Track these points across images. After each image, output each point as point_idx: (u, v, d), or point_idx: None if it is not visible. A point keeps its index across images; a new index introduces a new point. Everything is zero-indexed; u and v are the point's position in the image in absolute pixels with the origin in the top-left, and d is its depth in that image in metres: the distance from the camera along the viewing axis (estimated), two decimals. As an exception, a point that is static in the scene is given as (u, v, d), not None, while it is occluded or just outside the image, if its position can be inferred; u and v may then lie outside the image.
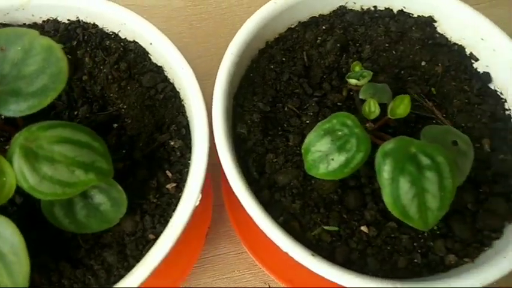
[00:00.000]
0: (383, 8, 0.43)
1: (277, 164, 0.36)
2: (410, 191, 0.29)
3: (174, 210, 0.33)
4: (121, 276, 0.31)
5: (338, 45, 0.41)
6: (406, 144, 0.30)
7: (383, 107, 0.34)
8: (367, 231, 0.34)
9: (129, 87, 0.38)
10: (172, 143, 0.35)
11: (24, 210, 0.33)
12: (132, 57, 0.39)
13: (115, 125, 0.37)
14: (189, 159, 0.35)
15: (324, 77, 0.41)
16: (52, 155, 0.27)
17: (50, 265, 0.31)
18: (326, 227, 0.33)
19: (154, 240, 0.32)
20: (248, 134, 0.37)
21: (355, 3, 0.43)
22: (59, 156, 0.27)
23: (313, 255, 0.31)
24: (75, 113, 0.38)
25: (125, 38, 0.39)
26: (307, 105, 0.39)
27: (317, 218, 0.34)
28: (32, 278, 0.28)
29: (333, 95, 0.39)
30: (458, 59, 0.42)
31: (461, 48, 0.42)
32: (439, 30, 0.43)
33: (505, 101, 0.40)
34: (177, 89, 0.38)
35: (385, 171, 0.29)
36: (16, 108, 0.27)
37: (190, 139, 0.36)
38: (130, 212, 0.32)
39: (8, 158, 0.27)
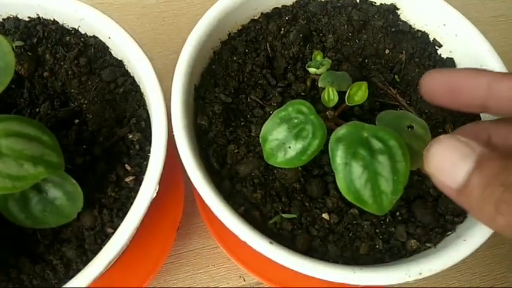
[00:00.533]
0: None
1: (238, 154, 0.36)
2: (363, 175, 0.29)
3: (132, 202, 0.33)
4: (79, 271, 0.31)
5: (301, 35, 0.41)
6: (358, 129, 0.30)
7: (343, 95, 0.34)
8: (328, 219, 0.34)
9: (89, 82, 0.38)
10: (131, 136, 0.35)
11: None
12: (92, 52, 0.39)
13: (76, 121, 0.37)
14: (149, 152, 0.35)
15: (288, 67, 0.41)
16: (0, 148, 0.27)
17: (10, 261, 0.31)
18: (284, 215, 0.33)
19: (113, 233, 0.32)
20: (209, 126, 0.37)
21: None
22: (6, 149, 0.27)
23: (271, 243, 0.31)
24: (37, 109, 0.37)
25: (85, 33, 0.39)
26: (270, 96, 0.39)
27: (278, 207, 0.34)
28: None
29: (297, 85, 0.39)
30: (422, 45, 0.42)
31: (424, 35, 0.42)
32: (402, 17, 0.43)
33: None
34: (137, 83, 0.38)
35: (337, 156, 0.29)
36: None
37: (150, 132, 0.36)
38: (89, 207, 0.32)
39: None
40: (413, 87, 0.40)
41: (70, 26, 0.39)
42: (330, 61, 0.36)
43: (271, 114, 0.37)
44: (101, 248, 0.31)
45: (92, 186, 0.33)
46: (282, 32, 0.42)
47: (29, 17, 0.40)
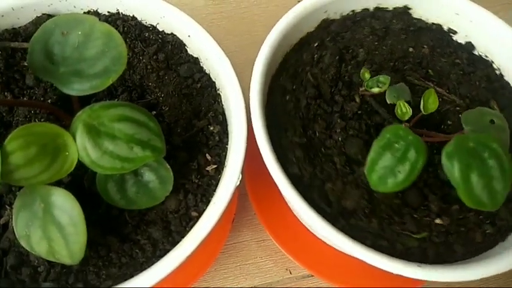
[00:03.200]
0: (360, 10, 0.46)
1: (337, 190, 0.37)
2: (479, 182, 0.32)
3: (214, 190, 0.35)
4: (166, 251, 0.33)
5: (334, 56, 0.43)
6: (463, 141, 0.32)
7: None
8: (442, 223, 0.36)
9: (166, 77, 0.40)
10: (211, 128, 0.37)
11: (72, 189, 0.35)
12: (169, 49, 0.41)
13: (153, 112, 0.39)
14: (227, 144, 0.37)
15: (333, 90, 0.42)
16: (113, 131, 0.29)
17: (99, 240, 0.33)
18: (416, 235, 0.35)
19: (198, 217, 0.34)
20: (300, 172, 0.37)
21: (335, 13, 0.45)
22: (119, 133, 0.29)
23: (419, 266, 0.33)
24: (116, 100, 0.40)
25: (163, 31, 0.42)
26: (333, 123, 0.40)
27: (396, 228, 0.36)
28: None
29: (349, 105, 0.40)
30: (440, 36, 0.46)
31: (439, 27, 0.46)
32: (415, 16, 0.46)
33: (492, 62, 0.44)
34: (213, 79, 0.40)
35: (455, 172, 0.32)
36: (79, 88, 0.29)
37: (226, 125, 0.38)
38: (174, 192, 0.34)
39: (71, 134, 0.29)
40: (445, 75, 0.44)
41: (148, 23, 0.42)
42: (389, 77, 0.38)
43: (341, 140, 0.39)
44: (186, 230, 0.34)
45: (175, 173, 0.35)
46: (315, 58, 0.43)
47: (108, 12, 0.42)
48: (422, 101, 0.36)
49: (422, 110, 0.36)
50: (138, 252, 0.33)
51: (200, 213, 0.34)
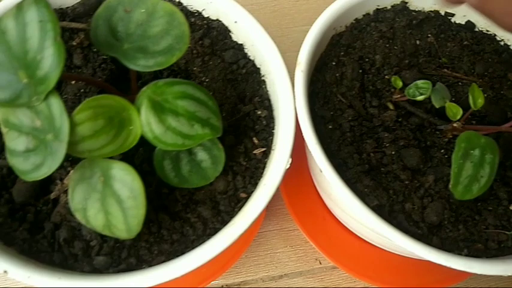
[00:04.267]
0: (362, 17, 0.46)
1: (420, 208, 0.36)
2: None
3: (261, 173, 0.36)
4: (216, 229, 0.33)
5: (354, 70, 0.42)
6: None
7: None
8: None
9: (211, 62, 0.41)
10: (258, 113, 0.38)
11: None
12: (215, 35, 0.42)
13: (198, 96, 0.40)
14: (273, 129, 0.38)
15: (365, 104, 0.41)
16: (176, 108, 0.29)
17: (150, 216, 0.34)
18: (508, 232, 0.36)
19: (246, 198, 0.35)
20: (379, 201, 0.36)
21: (341, 26, 0.45)
22: (181, 110, 0.30)
23: None
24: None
25: (208, 17, 0.42)
26: (380, 139, 0.39)
27: (481, 227, 0.36)
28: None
29: (385, 115, 0.40)
30: (440, 22, 0.47)
31: (436, 13, 0.47)
32: (413, 8, 0.47)
33: (495, 35, 0.46)
34: (258, 65, 0.41)
35: None
36: (145, 64, 0.30)
37: (272, 110, 0.39)
38: (222, 173, 0.35)
39: (136, 108, 0.29)
40: (457, 59, 0.45)
41: (194, 9, 0.42)
42: (430, 82, 0.38)
43: (395, 154, 0.38)
44: (234, 211, 0.34)
45: (223, 155, 0.36)
46: (338, 77, 0.42)
47: (154, -3, 0.42)
48: (470, 97, 0.36)
49: (472, 106, 0.37)
50: (189, 229, 0.34)
51: (248, 195, 0.35)
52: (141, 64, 0.29)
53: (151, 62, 0.30)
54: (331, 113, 0.40)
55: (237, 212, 0.34)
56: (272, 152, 0.36)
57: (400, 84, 0.40)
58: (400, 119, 0.40)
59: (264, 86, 0.40)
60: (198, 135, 0.30)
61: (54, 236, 0.33)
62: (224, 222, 0.34)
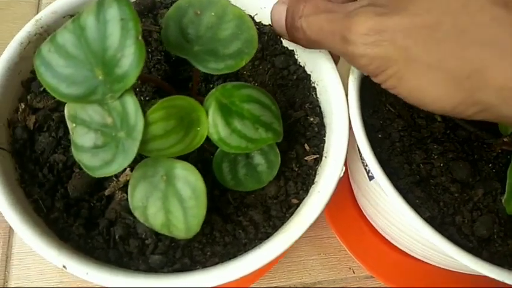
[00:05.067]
0: None
1: (469, 222, 0.37)
2: None
3: (313, 180, 0.36)
4: (268, 234, 0.33)
5: None
6: None
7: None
8: None
9: (261, 67, 0.41)
10: (310, 119, 0.38)
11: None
12: (266, 40, 0.42)
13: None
14: (324, 136, 0.38)
15: (412, 114, 0.41)
16: (242, 111, 0.30)
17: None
18: None
19: (298, 204, 0.35)
20: (431, 213, 0.36)
21: None
22: (247, 113, 0.30)
23: None
24: (211, 85, 0.40)
25: (260, 22, 0.43)
26: (429, 150, 0.39)
27: None
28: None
29: (434, 127, 0.40)
30: None
31: None
32: None
33: None
34: (308, 72, 0.41)
35: None
36: (215, 67, 0.30)
37: (323, 117, 0.39)
38: (274, 178, 0.35)
39: (205, 109, 0.29)
40: None
41: (247, 13, 0.42)
42: None
43: (443, 166, 0.38)
44: (285, 216, 0.34)
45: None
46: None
47: None
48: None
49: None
50: (241, 232, 0.34)
51: (300, 201, 0.35)
52: (212, 67, 0.30)
53: (221, 65, 0.30)
54: (381, 122, 0.40)
55: (288, 218, 0.34)
56: (324, 159, 0.36)
57: None
58: (448, 131, 0.41)
59: (314, 93, 0.40)
60: (261, 139, 0.30)
61: (110, 233, 0.33)
62: (276, 227, 0.34)
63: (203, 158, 0.35)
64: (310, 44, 0.34)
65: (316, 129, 0.38)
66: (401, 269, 0.48)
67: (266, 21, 0.42)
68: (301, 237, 0.49)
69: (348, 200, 0.51)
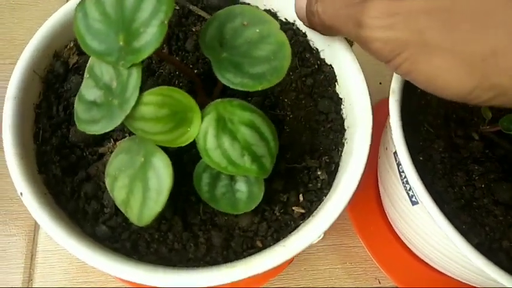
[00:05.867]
0: None
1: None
2: None
3: (289, 232, 0.33)
4: (215, 261, 0.32)
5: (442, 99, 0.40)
6: None
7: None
8: None
9: (303, 102, 0.39)
10: (318, 173, 0.36)
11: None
12: (320, 79, 0.40)
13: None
14: (325, 196, 0.35)
15: (450, 134, 0.41)
16: (236, 133, 0.29)
17: (166, 214, 0.33)
18: None
19: (260, 248, 0.32)
20: (479, 239, 0.36)
21: None
22: (240, 136, 0.29)
23: None
24: (247, 100, 0.39)
25: (324, 59, 0.41)
26: (470, 171, 0.39)
27: None
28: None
29: (472, 146, 0.40)
30: None
31: None
32: None
33: None
34: (345, 127, 0.38)
35: None
36: (230, 79, 0.29)
37: (334, 177, 0.36)
38: (252, 211, 0.33)
39: (202, 114, 0.29)
40: None
41: (314, 46, 0.41)
42: None
43: (485, 187, 0.38)
44: (242, 254, 0.32)
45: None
46: (423, 104, 0.41)
47: (285, 19, 0.42)
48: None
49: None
50: (192, 246, 0.32)
51: (264, 246, 0.33)
52: (227, 78, 0.29)
53: (237, 80, 0.29)
54: (420, 143, 0.40)
55: (244, 256, 0.32)
56: (311, 218, 0.34)
57: (489, 115, 0.40)
58: (486, 150, 0.40)
59: (340, 149, 0.37)
60: (243, 168, 0.29)
61: (80, 186, 0.34)
62: (227, 259, 0.32)
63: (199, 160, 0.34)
64: (326, 30, 0.33)
65: (319, 185, 0.35)
66: (429, 282, 0.49)
67: (329, 60, 0.40)
68: (328, 245, 0.49)
69: (376, 212, 0.51)
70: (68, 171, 0.34)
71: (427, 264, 0.47)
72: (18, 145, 0.32)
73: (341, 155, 0.37)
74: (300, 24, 0.41)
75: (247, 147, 0.29)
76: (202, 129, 0.28)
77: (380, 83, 0.60)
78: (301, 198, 0.35)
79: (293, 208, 0.34)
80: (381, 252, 0.50)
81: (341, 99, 0.39)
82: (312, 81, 0.40)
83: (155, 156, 0.29)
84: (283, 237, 0.33)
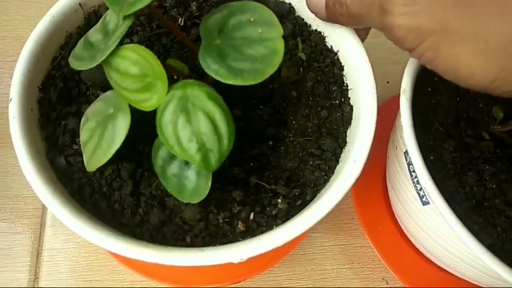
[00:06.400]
0: None
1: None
2: None
3: (222, 243, 0.31)
4: (141, 234, 0.31)
5: (450, 98, 0.41)
6: None
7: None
8: None
9: (309, 131, 0.37)
10: (279, 201, 0.33)
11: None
12: (336, 116, 0.37)
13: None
14: (276, 225, 0.32)
15: (460, 133, 0.41)
16: (191, 116, 0.28)
17: (123, 174, 0.33)
18: None
19: (188, 244, 0.31)
20: (492, 240, 0.36)
21: None
22: (195, 121, 0.28)
23: None
24: (261, 107, 0.38)
25: (349, 98, 0.38)
26: (480, 171, 0.39)
27: None
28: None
29: (482, 146, 0.40)
30: None
31: None
32: None
33: None
34: (335, 171, 0.35)
35: None
36: (208, 64, 0.28)
37: (295, 213, 0.32)
38: (199, 207, 0.32)
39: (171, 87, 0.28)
40: None
41: (346, 81, 0.38)
42: None
43: (495, 188, 0.38)
44: (169, 242, 0.31)
45: (217, 194, 0.33)
46: (434, 104, 0.41)
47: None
48: None
49: None
50: (129, 213, 0.32)
51: (192, 244, 0.31)
52: (206, 62, 0.28)
53: (214, 67, 0.28)
54: (431, 142, 0.40)
55: (167, 244, 0.30)
56: (248, 240, 0.30)
57: (501, 114, 0.40)
58: (497, 150, 0.40)
59: (317, 189, 0.34)
60: (187, 152, 0.28)
61: (66, 117, 0.35)
62: (151, 238, 0.31)
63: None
64: (350, 19, 0.33)
65: (274, 213, 0.33)
66: (437, 282, 0.48)
67: (352, 101, 0.37)
68: (336, 245, 0.48)
69: (384, 211, 0.51)
70: (64, 100, 0.36)
71: (435, 264, 0.47)
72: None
73: (315, 195, 0.34)
74: (343, 57, 0.39)
75: (197, 135, 0.27)
76: (165, 101, 0.28)
77: (387, 82, 0.59)
78: (251, 216, 0.32)
79: (238, 222, 0.32)
80: (388, 252, 0.50)
81: (346, 142, 0.36)
82: (327, 114, 0.37)
83: (121, 111, 0.29)
84: (213, 244, 0.31)
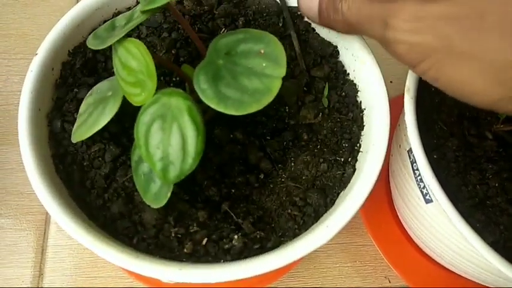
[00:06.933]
0: None
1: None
2: None
3: (164, 256, 0.30)
4: (103, 225, 0.31)
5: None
6: None
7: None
8: None
9: (303, 178, 0.35)
10: (235, 237, 0.31)
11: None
12: (336, 174, 0.35)
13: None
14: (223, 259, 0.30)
15: (463, 132, 0.41)
16: (166, 124, 0.27)
17: (106, 158, 0.33)
18: None
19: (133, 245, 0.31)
20: (494, 238, 0.36)
21: None
22: (167, 130, 0.27)
23: None
24: (268, 137, 0.37)
25: (358, 161, 0.35)
26: (483, 170, 0.39)
27: None
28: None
29: (485, 145, 0.40)
30: None
31: None
32: None
33: None
34: (310, 228, 0.32)
35: None
36: (198, 82, 0.27)
37: (246, 255, 0.30)
38: (159, 213, 0.31)
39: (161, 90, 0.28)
40: None
41: (361, 149, 0.36)
42: None
43: (497, 186, 0.38)
44: (118, 237, 0.31)
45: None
46: (437, 102, 0.41)
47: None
48: None
49: None
50: (95, 198, 0.33)
51: (132, 246, 0.31)
52: (198, 79, 0.27)
53: (204, 86, 0.27)
54: (435, 141, 0.40)
55: (114, 239, 0.30)
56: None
57: (503, 114, 0.40)
58: (500, 149, 0.40)
59: (284, 240, 0.32)
60: (149, 157, 0.27)
61: (82, 85, 0.36)
62: (102, 228, 0.31)
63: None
64: (347, 28, 0.32)
65: (226, 247, 0.31)
66: (440, 281, 0.49)
67: (358, 165, 0.35)
68: (338, 243, 0.49)
69: (387, 210, 0.52)
70: (87, 70, 0.37)
71: (437, 263, 0.47)
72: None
73: (278, 245, 0.31)
74: (368, 117, 0.36)
75: (165, 144, 0.27)
76: (149, 102, 0.28)
77: (391, 82, 0.59)
78: (204, 242, 0.30)
79: (188, 243, 0.30)
80: (391, 251, 0.50)
81: (333, 204, 0.33)
82: (326, 168, 0.35)
83: (114, 97, 0.30)
84: (154, 254, 0.30)
